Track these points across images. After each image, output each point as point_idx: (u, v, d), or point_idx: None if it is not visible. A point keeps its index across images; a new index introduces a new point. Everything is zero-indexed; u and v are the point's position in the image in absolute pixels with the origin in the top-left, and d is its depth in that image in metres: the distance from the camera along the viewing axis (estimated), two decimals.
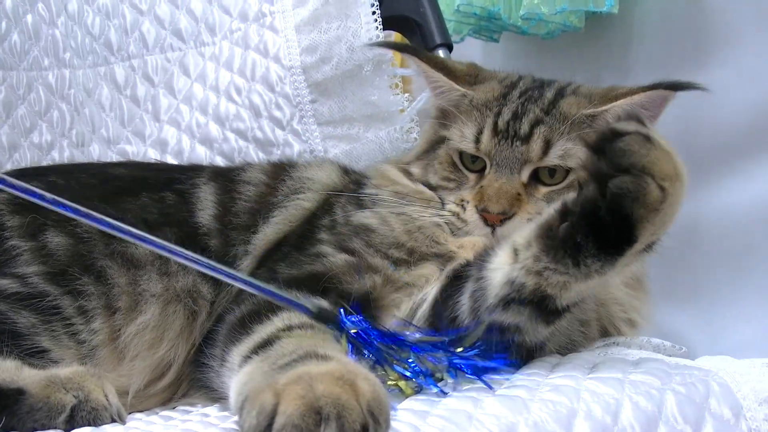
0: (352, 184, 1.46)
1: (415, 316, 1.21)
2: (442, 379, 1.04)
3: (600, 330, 1.33)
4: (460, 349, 1.05)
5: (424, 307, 1.21)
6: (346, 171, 1.52)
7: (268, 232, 1.37)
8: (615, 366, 1.12)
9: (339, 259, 1.26)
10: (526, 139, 1.31)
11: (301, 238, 1.36)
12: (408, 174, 1.43)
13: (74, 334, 1.20)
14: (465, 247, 1.28)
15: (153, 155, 1.91)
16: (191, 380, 1.27)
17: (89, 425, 1.02)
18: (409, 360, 1.02)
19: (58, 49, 2.03)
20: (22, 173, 1.54)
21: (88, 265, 1.25)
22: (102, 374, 1.12)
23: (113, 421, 1.05)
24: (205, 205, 1.40)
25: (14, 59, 2.01)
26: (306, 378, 0.84)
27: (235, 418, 0.94)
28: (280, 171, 1.48)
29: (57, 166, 1.77)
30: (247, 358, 1.01)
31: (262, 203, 1.42)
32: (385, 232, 1.32)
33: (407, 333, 1.07)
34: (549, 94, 1.37)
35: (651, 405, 1.00)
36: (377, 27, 1.78)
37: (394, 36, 1.97)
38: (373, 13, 1.79)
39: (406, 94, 1.84)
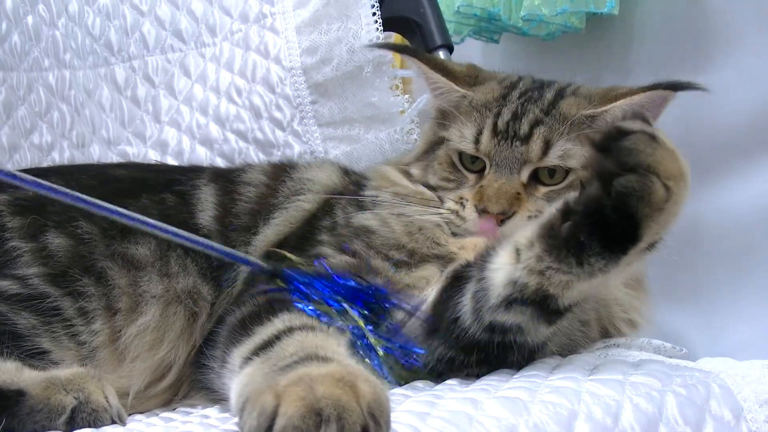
0: (353, 186, 1.46)
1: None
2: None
3: (600, 330, 1.33)
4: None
5: (425, 308, 1.21)
6: (346, 172, 1.52)
7: (268, 234, 1.37)
8: (615, 367, 1.12)
9: (340, 260, 1.26)
10: (526, 139, 1.31)
11: (301, 239, 1.36)
12: (408, 175, 1.44)
13: (75, 335, 1.20)
14: (466, 248, 1.28)
15: (153, 156, 1.91)
16: (192, 381, 1.27)
17: (89, 427, 1.02)
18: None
19: (58, 50, 2.03)
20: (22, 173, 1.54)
21: (88, 267, 1.25)
22: (102, 375, 1.12)
23: (113, 422, 1.05)
24: (206, 206, 1.40)
25: (14, 60, 2.01)
26: (306, 380, 0.84)
27: (236, 419, 0.95)
28: (281, 172, 1.48)
29: (57, 167, 1.76)
30: (247, 359, 1.01)
31: (263, 204, 1.42)
32: (385, 234, 1.32)
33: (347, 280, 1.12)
34: (549, 95, 1.37)
35: (651, 406, 1.00)
36: (377, 28, 1.79)
37: (395, 37, 1.97)
38: (374, 14, 1.79)
39: (407, 96, 1.84)
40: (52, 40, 2.03)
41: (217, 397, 1.16)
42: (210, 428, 0.98)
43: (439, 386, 1.12)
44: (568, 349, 1.25)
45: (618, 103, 1.31)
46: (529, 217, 1.26)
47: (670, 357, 1.36)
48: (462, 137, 1.36)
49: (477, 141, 1.34)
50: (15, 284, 1.20)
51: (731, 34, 1.86)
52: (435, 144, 1.42)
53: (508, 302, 1.07)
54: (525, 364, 1.16)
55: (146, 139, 1.94)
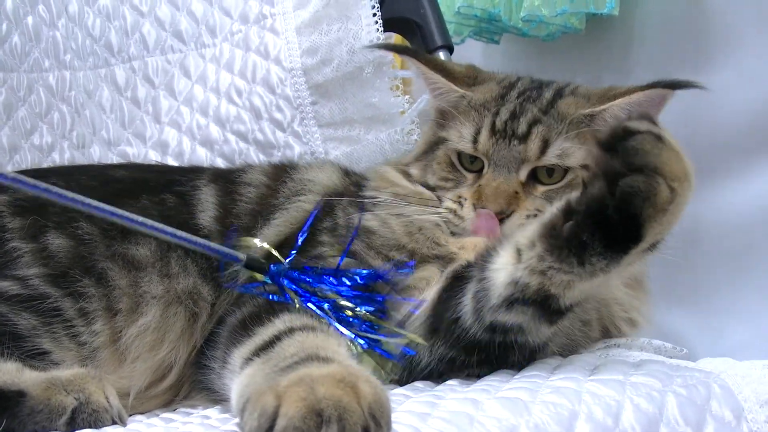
0: (353, 186, 1.46)
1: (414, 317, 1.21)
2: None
3: (601, 330, 1.33)
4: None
5: (424, 308, 1.21)
6: (346, 173, 1.52)
7: (269, 234, 1.37)
8: (616, 368, 1.12)
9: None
10: (524, 138, 1.31)
11: None
12: (407, 175, 1.44)
13: (75, 335, 1.20)
14: (466, 248, 1.28)
15: (154, 157, 1.91)
16: (192, 382, 1.27)
17: (90, 427, 1.02)
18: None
19: (58, 51, 2.03)
20: (22, 175, 1.54)
21: (89, 267, 1.25)
22: (103, 376, 1.12)
23: (114, 423, 1.05)
24: (206, 206, 1.40)
25: (15, 61, 2.01)
26: (307, 380, 0.84)
27: (237, 420, 0.95)
28: (281, 173, 1.48)
29: (57, 168, 1.76)
30: (248, 360, 1.01)
31: (263, 205, 1.42)
32: (385, 234, 1.32)
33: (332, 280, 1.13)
34: (547, 95, 1.38)
35: (652, 407, 1.00)
36: (378, 29, 1.79)
37: (395, 38, 1.98)
38: (374, 15, 1.79)
39: (407, 96, 1.84)
40: (52, 41, 2.03)
41: (217, 398, 1.16)
42: (211, 429, 0.98)
43: (440, 387, 1.12)
44: (569, 349, 1.25)
45: (616, 102, 1.31)
46: (528, 217, 1.27)
47: (671, 357, 1.36)
48: (460, 137, 1.36)
49: (475, 140, 1.34)
50: (15, 285, 1.20)
51: (731, 34, 1.86)
52: (434, 144, 1.42)
53: (510, 302, 1.07)
54: (526, 365, 1.16)
55: (146, 139, 1.94)
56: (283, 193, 1.44)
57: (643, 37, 2.04)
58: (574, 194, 1.01)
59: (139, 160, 1.91)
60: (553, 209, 1.04)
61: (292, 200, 1.42)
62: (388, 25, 1.82)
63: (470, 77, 1.45)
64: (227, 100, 1.88)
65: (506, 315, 1.08)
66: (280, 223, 1.39)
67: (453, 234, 1.31)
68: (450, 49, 1.85)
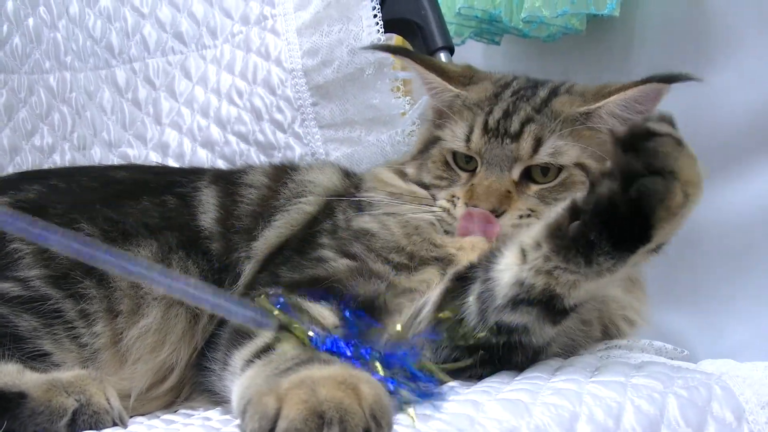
0: (353, 188, 1.46)
1: (416, 319, 1.21)
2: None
3: (601, 329, 1.32)
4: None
5: (427, 310, 1.21)
6: (347, 174, 1.52)
7: (270, 236, 1.37)
8: (617, 369, 1.12)
9: (341, 264, 1.26)
10: (517, 137, 1.30)
11: (302, 241, 1.36)
12: (402, 174, 1.44)
13: (76, 337, 1.20)
14: (465, 249, 1.28)
15: (154, 158, 1.91)
16: (193, 384, 1.27)
17: (91, 429, 1.02)
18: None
19: (59, 52, 2.03)
20: (23, 176, 1.54)
21: (89, 269, 1.24)
22: (104, 378, 1.12)
23: (115, 424, 1.05)
24: (207, 208, 1.40)
25: (15, 62, 2.01)
26: (308, 382, 0.84)
27: (238, 421, 0.95)
28: (282, 174, 1.48)
29: (58, 169, 1.76)
30: (249, 362, 1.01)
31: (264, 206, 1.42)
32: (385, 236, 1.32)
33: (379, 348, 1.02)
34: (542, 93, 1.37)
35: (653, 408, 1.00)
36: (379, 30, 1.79)
37: (396, 39, 1.98)
38: (375, 16, 1.79)
39: (408, 97, 1.84)
40: (53, 43, 2.03)
41: (218, 400, 1.16)
42: (212, 430, 0.98)
43: (441, 388, 1.12)
44: (570, 349, 1.25)
45: (612, 98, 1.30)
46: (520, 216, 1.27)
47: (672, 359, 1.36)
48: (454, 136, 1.36)
49: (468, 139, 1.34)
50: (16, 286, 1.20)
51: (732, 35, 1.86)
52: (430, 143, 1.42)
53: (515, 303, 1.07)
54: (529, 365, 1.16)
55: (147, 141, 1.94)
56: (284, 195, 1.44)
57: (643, 38, 2.05)
58: (580, 194, 1.00)
59: (139, 162, 1.91)
60: (558, 209, 1.03)
61: (292, 202, 1.42)
62: (389, 27, 1.82)
63: (466, 77, 1.45)
64: (228, 101, 1.88)
65: (511, 315, 1.08)
66: (280, 225, 1.39)
67: (447, 233, 1.32)
68: (451, 50, 1.85)
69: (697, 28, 1.92)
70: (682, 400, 1.03)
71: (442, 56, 1.81)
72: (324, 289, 1.20)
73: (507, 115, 1.33)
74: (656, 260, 1.10)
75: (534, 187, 1.30)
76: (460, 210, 1.30)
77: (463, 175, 1.35)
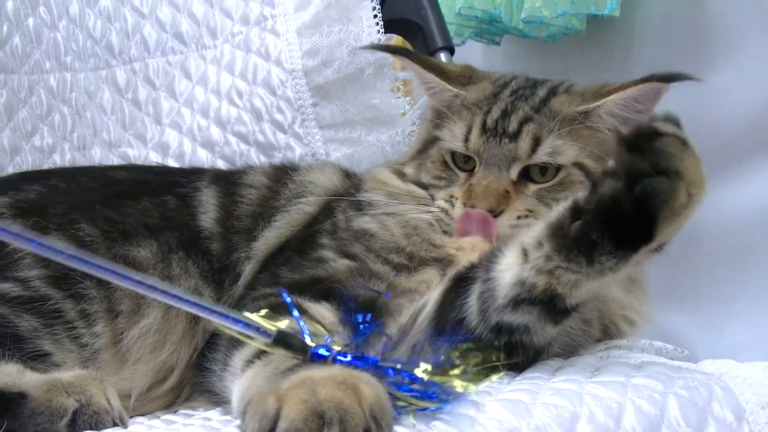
0: (353, 188, 1.46)
1: (416, 320, 1.21)
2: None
3: (601, 329, 1.32)
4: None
5: (427, 310, 1.21)
6: (347, 174, 1.52)
7: (270, 236, 1.37)
8: (617, 369, 1.12)
9: (341, 264, 1.26)
10: (515, 136, 1.30)
11: (302, 242, 1.36)
12: (401, 175, 1.44)
13: (76, 337, 1.20)
14: (464, 249, 1.27)
15: (154, 158, 1.91)
16: (194, 384, 1.27)
17: (91, 429, 1.02)
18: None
19: (59, 53, 2.03)
20: (23, 176, 1.54)
21: None
22: (104, 378, 1.12)
23: (115, 424, 1.05)
24: (207, 208, 1.40)
25: (15, 62, 2.01)
26: (308, 382, 0.84)
27: (238, 422, 0.95)
28: (282, 174, 1.48)
29: (58, 170, 1.76)
30: (249, 362, 1.01)
31: (264, 207, 1.42)
32: (384, 237, 1.32)
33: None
34: (541, 93, 1.37)
35: (654, 409, 1.00)
36: (379, 30, 1.79)
37: (395, 39, 1.98)
38: (375, 16, 1.79)
39: (408, 97, 1.84)
40: (53, 43, 2.03)
41: (219, 400, 1.16)
42: (212, 431, 0.98)
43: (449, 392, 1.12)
44: (570, 349, 1.24)
45: (611, 97, 1.30)
46: (518, 217, 1.27)
47: (672, 359, 1.36)
48: (453, 136, 1.36)
49: (466, 139, 1.34)
50: (17, 286, 1.20)
51: (732, 36, 1.86)
52: (429, 143, 1.42)
53: (516, 302, 1.06)
54: (529, 365, 1.16)
55: (147, 141, 1.94)
56: (284, 195, 1.44)
57: (643, 39, 2.05)
58: (581, 193, 1.00)
59: (140, 162, 1.91)
60: (559, 208, 1.03)
61: (293, 202, 1.42)
62: (389, 27, 1.82)
63: (465, 76, 1.45)
64: (228, 101, 1.88)
65: (512, 315, 1.08)
66: (281, 225, 1.39)
67: (445, 233, 1.32)
68: (451, 51, 1.85)
69: (697, 28, 1.92)
70: (683, 400, 1.03)
71: (443, 56, 1.81)
72: (324, 289, 1.20)
73: (505, 114, 1.33)
74: (656, 260, 1.10)
75: (532, 187, 1.30)
76: (458, 210, 1.30)
77: (462, 175, 1.35)
